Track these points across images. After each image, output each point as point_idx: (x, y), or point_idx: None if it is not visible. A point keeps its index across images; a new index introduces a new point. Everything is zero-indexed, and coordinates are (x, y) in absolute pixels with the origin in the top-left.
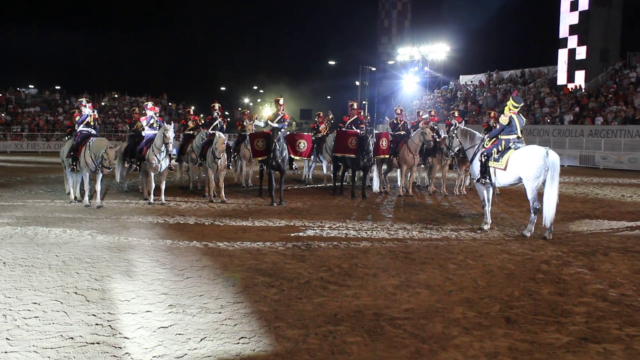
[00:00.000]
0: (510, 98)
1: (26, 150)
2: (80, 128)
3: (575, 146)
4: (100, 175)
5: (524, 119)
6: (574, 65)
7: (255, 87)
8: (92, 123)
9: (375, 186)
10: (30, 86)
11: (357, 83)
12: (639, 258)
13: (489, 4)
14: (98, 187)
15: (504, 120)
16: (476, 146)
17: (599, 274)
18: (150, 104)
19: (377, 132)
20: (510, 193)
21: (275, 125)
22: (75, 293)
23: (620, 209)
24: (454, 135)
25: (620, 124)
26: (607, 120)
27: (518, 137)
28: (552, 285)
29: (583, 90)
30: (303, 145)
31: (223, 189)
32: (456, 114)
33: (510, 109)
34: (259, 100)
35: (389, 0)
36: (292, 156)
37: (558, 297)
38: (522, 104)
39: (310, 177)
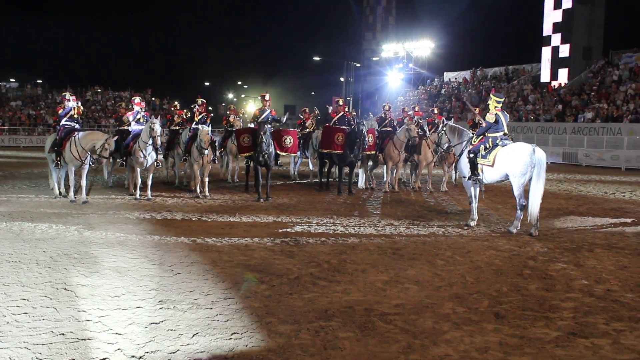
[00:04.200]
0: (491, 95)
1: (8, 145)
2: (64, 122)
3: (558, 143)
4: (86, 169)
5: (508, 115)
6: (557, 63)
7: (239, 83)
8: (75, 116)
9: (361, 182)
10: (11, 80)
11: (342, 79)
12: (624, 254)
13: (473, 1)
14: (83, 182)
15: (490, 118)
16: (464, 143)
17: (585, 270)
18: (137, 99)
19: None
20: (496, 190)
21: (262, 119)
22: (65, 289)
23: (604, 206)
24: (443, 132)
25: (602, 121)
26: (589, 117)
27: (505, 134)
28: (539, 281)
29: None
30: (289, 141)
31: (207, 184)
32: (436, 111)
33: (495, 107)
34: (242, 95)
35: None
36: (278, 152)
37: (545, 292)
38: (504, 99)
39: (296, 173)
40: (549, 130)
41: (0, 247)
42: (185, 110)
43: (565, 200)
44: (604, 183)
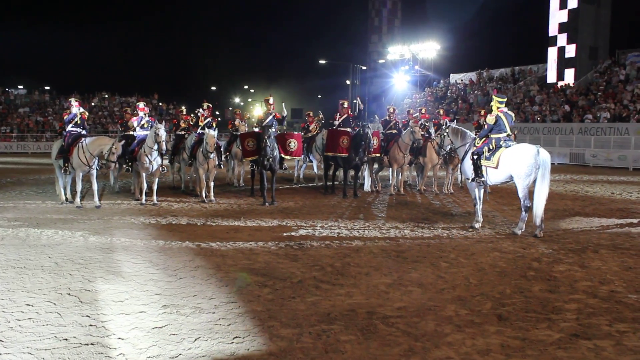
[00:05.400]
0: (494, 96)
1: (16, 151)
2: (69, 128)
3: (565, 144)
4: (94, 175)
5: (513, 115)
6: (563, 63)
7: (245, 87)
8: (79, 122)
9: (367, 185)
10: (19, 87)
11: (348, 82)
12: (629, 255)
13: (479, 3)
14: (95, 187)
15: (490, 120)
16: (467, 145)
17: (589, 271)
18: (141, 105)
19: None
20: (501, 191)
21: (266, 123)
22: (69, 294)
23: (610, 207)
24: (445, 134)
25: (610, 121)
26: (597, 117)
27: (508, 135)
28: (543, 283)
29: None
30: (293, 144)
31: (212, 189)
32: (441, 112)
33: (497, 108)
34: (249, 99)
35: None
36: (283, 156)
37: (549, 294)
38: (506, 99)
39: (301, 176)
40: (556, 130)
41: (6, 253)
42: (191, 116)
43: (571, 201)
44: (611, 183)
